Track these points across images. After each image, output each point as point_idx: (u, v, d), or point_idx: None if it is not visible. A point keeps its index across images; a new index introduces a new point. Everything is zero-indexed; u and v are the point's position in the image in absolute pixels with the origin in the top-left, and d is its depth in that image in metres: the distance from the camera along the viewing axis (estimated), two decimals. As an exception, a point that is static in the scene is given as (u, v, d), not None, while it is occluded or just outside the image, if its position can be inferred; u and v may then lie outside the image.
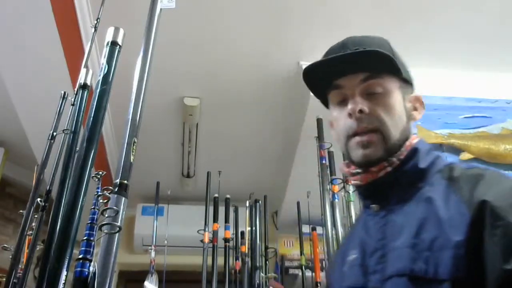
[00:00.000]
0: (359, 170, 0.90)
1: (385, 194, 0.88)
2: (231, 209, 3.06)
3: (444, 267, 0.71)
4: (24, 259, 1.58)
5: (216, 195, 3.03)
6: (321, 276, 2.92)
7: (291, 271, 3.98)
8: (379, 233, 0.85)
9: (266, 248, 2.98)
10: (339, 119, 0.93)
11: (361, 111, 0.88)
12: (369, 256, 0.84)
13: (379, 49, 0.89)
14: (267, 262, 2.98)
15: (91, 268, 0.79)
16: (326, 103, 1.01)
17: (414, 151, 0.88)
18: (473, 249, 0.71)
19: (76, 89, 1.41)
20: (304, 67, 2.73)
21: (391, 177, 0.87)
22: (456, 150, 2.61)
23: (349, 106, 0.89)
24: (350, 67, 0.91)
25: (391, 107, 0.90)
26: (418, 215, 0.80)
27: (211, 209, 2.97)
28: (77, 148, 1.14)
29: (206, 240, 2.86)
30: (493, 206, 0.72)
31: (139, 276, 3.37)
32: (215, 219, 2.93)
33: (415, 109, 0.96)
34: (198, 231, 2.89)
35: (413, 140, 0.91)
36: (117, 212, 0.77)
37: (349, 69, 0.91)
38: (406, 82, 0.95)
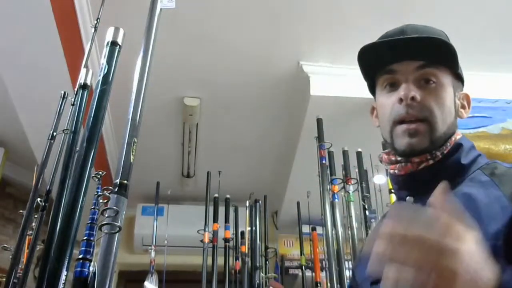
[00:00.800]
0: (399, 159, 0.89)
1: (423, 186, 0.85)
2: (231, 209, 3.06)
3: None
4: (24, 259, 1.59)
5: (216, 195, 3.03)
6: (321, 276, 2.92)
7: (291, 271, 3.99)
8: None
9: (266, 248, 2.98)
10: (386, 105, 0.91)
11: (413, 98, 0.86)
12: None
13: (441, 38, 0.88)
14: (267, 262, 2.98)
15: (91, 268, 0.79)
16: (371, 87, 0.98)
17: (458, 146, 0.88)
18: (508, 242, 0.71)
19: (76, 89, 1.40)
20: (304, 67, 2.74)
21: (432, 170, 0.86)
22: (456, 150, 2.61)
23: (402, 92, 0.87)
24: (408, 53, 0.89)
25: (443, 100, 0.88)
26: None
27: (211, 209, 2.97)
28: (77, 148, 1.14)
29: (206, 240, 2.86)
30: None
31: (139, 276, 3.37)
32: (215, 219, 2.93)
33: (463, 107, 0.95)
34: (198, 231, 2.89)
35: (457, 136, 0.90)
36: (117, 212, 0.77)
37: (406, 55, 0.89)
38: (458, 78, 0.94)
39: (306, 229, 3.27)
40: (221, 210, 2.98)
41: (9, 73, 2.48)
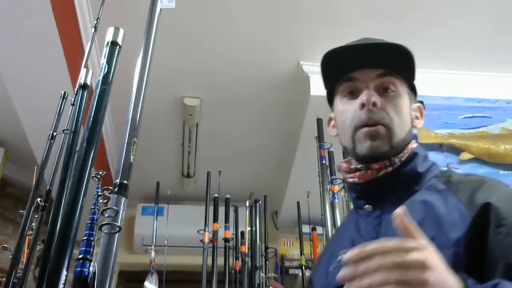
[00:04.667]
0: (359, 166, 0.90)
1: (382, 194, 0.89)
2: (231, 209, 3.06)
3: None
4: (24, 259, 1.58)
5: (216, 195, 3.03)
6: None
7: (291, 271, 3.98)
8: (372, 233, 0.86)
9: (266, 248, 2.98)
10: (347, 111, 0.93)
11: (374, 104, 0.88)
12: None
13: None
14: (267, 262, 2.98)
15: (91, 268, 0.79)
16: (329, 95, 1.01)
17: (414, 154, 0.91)
18: (473, 247, 0.73)
19: (76, 89, 1.40)
20: (304, 67, 2.73)
21: (391, 178, 0.88)
22: (456, 150, 2.61)
23: (364, 97, 0.89)
24: (368, 60, 0.92)
25: (401, 108, 0.91)
26: (415, 217, 0.81)
27: (211, 209, 2.97)
28: (77, 148, 1.14)
29: (206, 240, 2.86)
30: (497, 207, 0.75)
31: (139, 276, 3.37)
32: (215, 219, 2.93)
33: (417, 117, 0.98)
34: (198, 231, 2.89)
35: (413, 144, 0.93)
36: (117, 212, 0.77)
37: (367, 62, 0.92)
38: (413, 90, 0.97)
39: (306, 229, 3.27)
40: (221, 210, 2.98)
41: (9, 74, 2.48)
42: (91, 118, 0.96)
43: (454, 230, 0.76)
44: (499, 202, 0.76)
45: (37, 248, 1.49)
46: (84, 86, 1.38)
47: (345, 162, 0.95)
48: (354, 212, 0.96)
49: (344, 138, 0.95)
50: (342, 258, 0.87)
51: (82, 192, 0.88)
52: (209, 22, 2.54)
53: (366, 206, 0.90)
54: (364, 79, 0.92)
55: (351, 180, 0.92)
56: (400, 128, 0.90)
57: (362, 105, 0.89)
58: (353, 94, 0.93)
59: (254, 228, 2.86)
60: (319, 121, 2.46)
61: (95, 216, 0.96)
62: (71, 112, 1.43)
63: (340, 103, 0.96)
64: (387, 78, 0.91)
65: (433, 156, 2.57)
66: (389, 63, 0.91)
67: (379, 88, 0.91)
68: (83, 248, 0.83)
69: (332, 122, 1.01)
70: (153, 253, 3.03)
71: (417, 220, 0.79)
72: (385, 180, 0.88)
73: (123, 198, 0.79)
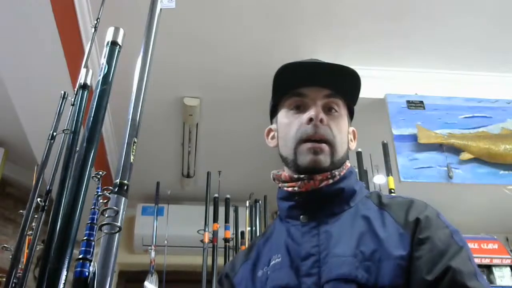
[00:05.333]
0: (302, 176, 0.94)
1: (319, 205, 0.93)
2: (231, 209, 3.05)
3: (383, 275, 0.80)
4: (24, 259, 1.58)
5: (216, 195, 3.03)
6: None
7: (291, 271, 3.98)
8: (312, 241, 0.90)
9: (266, 248, 2.98)
10: (292, 124, 0.98)
11: (321, 120, 0.94)
12: (301, 260, 0.88)
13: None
14: (267, 262, 2.98)
15: (91, 268, 0.79)
16: (272, 108, 1.09)
17: (350, 172, 0.97)
18: (410, 262, 0.80)
19: (76, 89, 1.40)
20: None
21: (331, 189, 0.93)
22: (456, 150, 2.61)
23: (313, 112, 0.94)
24: (319, 80, 0.97)
25: (341, 128, 0.98)
26: (357, 229, 0.88)
27: (211, 209, 2.96)
28: (77, 148, 1.14)
29: (206, 240, 2.86)
30: (424, 224, 0.84)
31: (139, 276, 3.37)
32: (215, 219, 2.93)
33: (351, 140, 1.04)
34: (198, 231, 2.89)
35: (348, 164, 0.99)
36: (117, 212, 0.77)
37: (317, 82, 0.97)
38: (351, 115, 1.04)
39: (306, 229, 3.27)
40: (221, 210, 2.97)
41: (9, 73, 2.48)
42: (91, 118, 0.95)
43: (395, 248, 0.81)
44: (423, 219, 0.84)
45: (37, 248, 1.49)
46: (84, 86, 1.38)
47: (284, 172, 1.00)
48: (281, 221, 1.00)
49: (285, 149, 0.99)
50: (276, 262, 0.91)
51: (82, 192, 0.88)
52: (209, 22, 2.55)
53: (302, 217, 0.94)
54: (313, 96, 0.97)
55: (290, 189, 0.96)
56: (341, 146, 0.96)
57: (310, 120, 0.94)
58: (299, 108, 0.98)
59: (254, 228, 2.86)
60: (319, 121, 2.46)
61: (95, 216, 0.95)
62: (71, 112, 1.42)
63: (285, 116, 1.01)
64: (333, 99, 0.98)
65: (433, 156, 2.57)
66: (337, 85, 0.97)
67: (325, 107, 0.97)
68: (83, 248, 0.83)
69: (272, 134, 1.08)
70: (153, 253, 3.03)
71: (359, 232, 0.87)
72: (326, 191, 0.93)
73: (123, 198, 0.79)
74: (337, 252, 0.85)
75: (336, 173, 0.94)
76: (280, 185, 1.00)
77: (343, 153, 0.97)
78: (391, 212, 0.89)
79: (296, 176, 0.95)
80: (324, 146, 0.93)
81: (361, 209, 0.92)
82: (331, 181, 0.93)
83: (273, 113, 1.09)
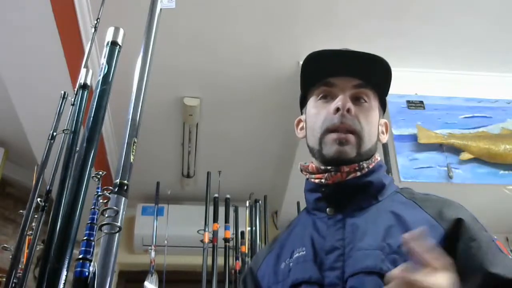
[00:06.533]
0: (329, 168, 0.92)
1: (347, 197, 0.91)
2: (231, 209, 3.05)
3: None
4: (24, 259, 1.58)
5: (216, 195, 3.03)
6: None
7: (291, 271, 3.98)
8: (337, 234, 0.88)
9: (266, 248, 2.97)
10: (319, 114, 0.95)
11: (348, 110, 0.91)
12: (325, 254, 0.86)
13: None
14: (267, 262, 2.97)
15: (91, 268, 0.79)
16: (302, 99, 1.05)
17: (380, 166, 0.94)
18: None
19: (76, 89, 1.40)
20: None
21: (359, 182, 0.91)
22: (456, 150, 2.60)
23: (339, 102, 0.92)
24: (349, 69, 0.94)
25: (371, 120, 0.95)
26: (384, 223, 0.85)
27: (211, 209, 2.96)
28: (77, 148, 1.14)
29: (206, 240, 2.86)
30: (468, 224, 0.81)
31: (139, 276, 3.36)
32: (215, 219, 2.93)
33: (383, 132, 1.01)
34: (198, 231, 2.89)
35: (378, 157, 0.96)
36: (117, 212, 0.77)
37: (347, 71, 0.94)
38: (383, 106, 1.01)
39: (306, 229, 3.27)
40: (221, 210, 2.97)
41: (9, 74, 2.48)
42: (91, 118, 0.95)
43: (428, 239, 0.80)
44: (469, 221, 0.82)
45: (37, 248, 1.49)
46: (84, 86, 1.38)
47: (311, 163, 0.97)
48: (308, 214, 0.98)
49: (312, 139, 0.97)
50: (300, 254, 0.89)
51: (82, 192, 0.88)
52: (209, 22, 2.54)
53: (328, 209, 0.92)
54: (342, 86, 0.94)
55: (317, 180, 0.94)
56: (369, 138, 0.93)
57: (337, 109, 0.92)
58: (327, 98, 0.96)
59: (254, 228, 2.86)
60: (319, 121, 2.46)
61: (95, 216, 0.96)
62: (71, 112, 1.43)
63: (314, 105, 0.99)
64: (363, 89, 0.95)
65: (433, 156, 2.57)
66: (367, 75, 0.94)
67: (354, 97, 0.94)
68: (83, 248, 0.83)
69: (301, 124, 1.06)
70: (153, 253, 3.03)
71: (386, 226, 0.84)
72: (353, 184, 0.90)
73: (123, 198, 0.79)
74: (362, 246, 0.83)
75: (365, 165, 0.91)
76: (307, 176, 0.97)
77: (371, 145, 0.94)
78: (423, 205, 0.87)
79: (323, 167, 0.93)
80: (351, 136, 0.90)
81: (390, 204, 0.90)
82: (358, 173, 0.90)
83: (303, 103, 1.06)
